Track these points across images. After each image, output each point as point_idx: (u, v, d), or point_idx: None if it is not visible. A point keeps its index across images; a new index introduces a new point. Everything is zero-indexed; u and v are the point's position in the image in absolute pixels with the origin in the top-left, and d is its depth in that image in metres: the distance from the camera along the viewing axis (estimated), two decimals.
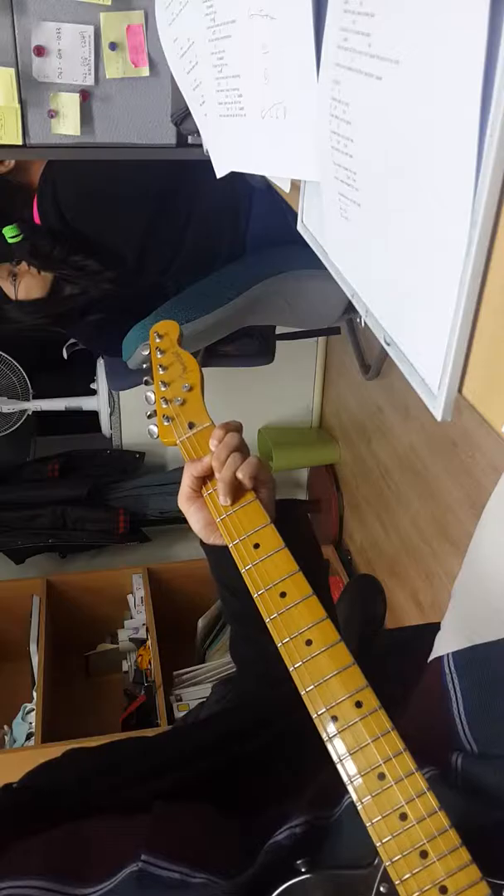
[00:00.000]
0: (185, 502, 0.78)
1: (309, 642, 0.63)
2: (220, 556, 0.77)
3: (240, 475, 0.73)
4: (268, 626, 0.65)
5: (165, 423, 0.83)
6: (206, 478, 0.76)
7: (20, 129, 1.13)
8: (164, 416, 0.83)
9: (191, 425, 0.81)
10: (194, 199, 1.47)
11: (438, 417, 0.43)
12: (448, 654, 0.70)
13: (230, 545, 0.71)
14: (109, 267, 1.47)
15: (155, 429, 0.83)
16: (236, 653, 0.87)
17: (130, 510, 2.78)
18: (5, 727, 2.40)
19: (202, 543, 0.81)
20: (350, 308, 1.68)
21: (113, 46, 1.11)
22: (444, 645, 0.73)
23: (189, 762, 0.67)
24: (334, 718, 0.59)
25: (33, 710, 2.28)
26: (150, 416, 0.85)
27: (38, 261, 1.43)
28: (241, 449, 0.77)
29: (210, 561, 0.82)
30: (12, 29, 1.07)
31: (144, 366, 0.89)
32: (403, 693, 0.73)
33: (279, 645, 0.64)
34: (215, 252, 1.53)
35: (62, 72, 1.11)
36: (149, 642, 2.48)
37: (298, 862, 0.55)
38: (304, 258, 1.42)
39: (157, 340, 0.88)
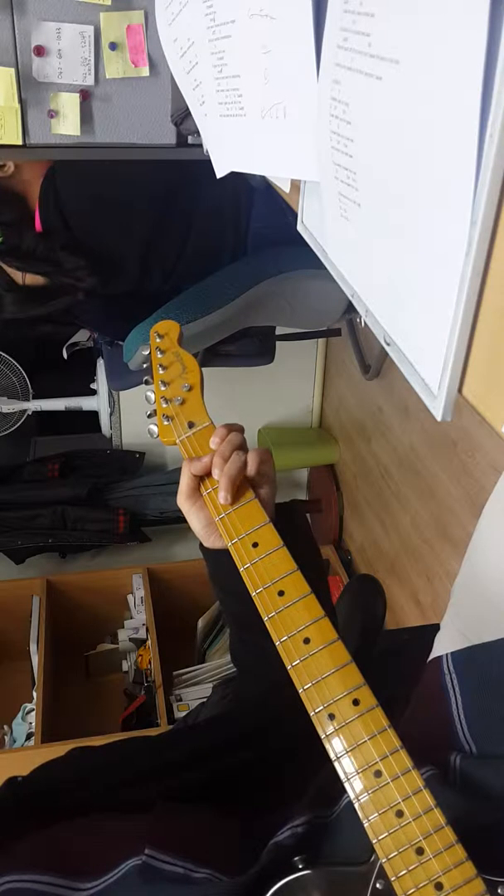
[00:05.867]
0: (184, 501, 0.78)
1: (307, 640, 0.63)
2: (219, 560, 0.77)
3: (250, 464, 0.74)
4: (266, 624, 0.65)
5: (165, 423, 0.83)
6: (205, 477, 0.77)
7: (20, 129, 1.13)
8: (163, 415, 0.83)
9: (190, 425, 0.81)
10: (197, 198, 1.47)
11: (438, 417, 0.43)
12: (447, 654, 0.70)
13: (229, 544, 0.71)
14: (113, 271, 1.47)
15: (155, 428, 0.84)
16: (237, 655, 0.87)
17: (130, 510, 2.78)
18: (5, 727, 2.40)
19: (201, 547, 0.81)
20: (350, 308, 1.67)
21: (113, 46, 1.11)
22: (444, 644, 0.73)
23: (190, 765, 0.67)
24: (331, 716, 0.59)
25: (33, 710, 2.28)
26: (150, 416, 0.85)
27: (17, 262, 1.44)
28: (244, 449, 0.77)
29: (209, 565, 0.82)
30: (12, 29, 1.07)
31: (145, 365, 0.89)
32: (403, 693, 0.73)
33: (277, 643, 0.64)
34: (220, 251, 1.53)
35: (62, 72, 1.11)
36: (149, 642, 2.48)
37: (296, 859, 0.55)
38: (305, 258, 1.42)
39: (158, 340, 0.88)
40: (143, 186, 1.45)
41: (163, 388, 0.85)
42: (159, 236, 1.48)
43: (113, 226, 1.47)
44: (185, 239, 1.49)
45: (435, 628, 0.79)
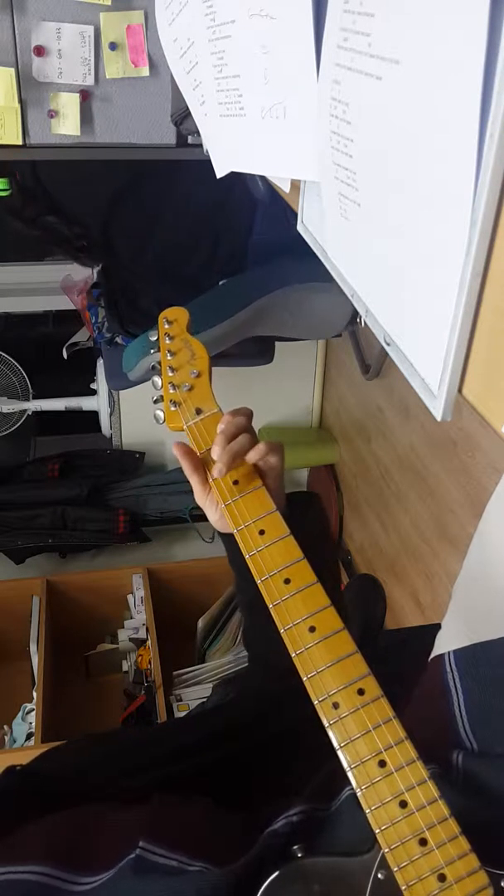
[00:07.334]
0: (200, 499, 0.79)
1: (312, 629, 0.63)
2: (235, 544, 0.78)
3: (255, 453, 0.74)
4: (271, 611, 0.65)
5: (172, 409, 0.82)
6: (210, 467, 0.76)
7: (20, 129, 1.13)
8: (171, 401, 0.83)
9: (198, 411, 0.81)
10: (169, 192, 1.47)
11: (438, 417, 0.43)
12: (449, 653, 0.70)
13: (235, 531, 0.71)
14: (78, 232, 1.49)
15: (161, 413, 0.83)
16: (249, 642, 0.87)
17: (130, 510, 2.78)
18: (5, 727, 2.40)
19: (219, 532, 0.81)
20: (353, 321, 1.68)
21: (113, 46, 1.11)
22: (445, 643, 0.73)
23: (190, 754, 0.67)
24: (336, 705, 0.59)
25: (33, 710, 2.28)
26: (155, 402, 0.85)
27: (19, 221, 1.45)
28: (250, 432, 0.77)
29: (227, 549, 0.82)
30: (12, 29, 1.08)
31: (152, 351, 0.89)
32: (404, 692, 0.73)
33: (282, 631, 0.64)
34: (191, 250, 1.53)
35: (62, 72, 1.11)
36: (149, 642, 2.48)
37: (294, 847, 0.55)
38: (308, 271, 1.42)
39: (167, 326, 0.88)
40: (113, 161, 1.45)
41: (171, 374, 0.84)
42: (121, 210, 1.49)
43: (79, 186, 1.48)
44: (150, 231, 1.50)
45: (436, 628, 0.79)
